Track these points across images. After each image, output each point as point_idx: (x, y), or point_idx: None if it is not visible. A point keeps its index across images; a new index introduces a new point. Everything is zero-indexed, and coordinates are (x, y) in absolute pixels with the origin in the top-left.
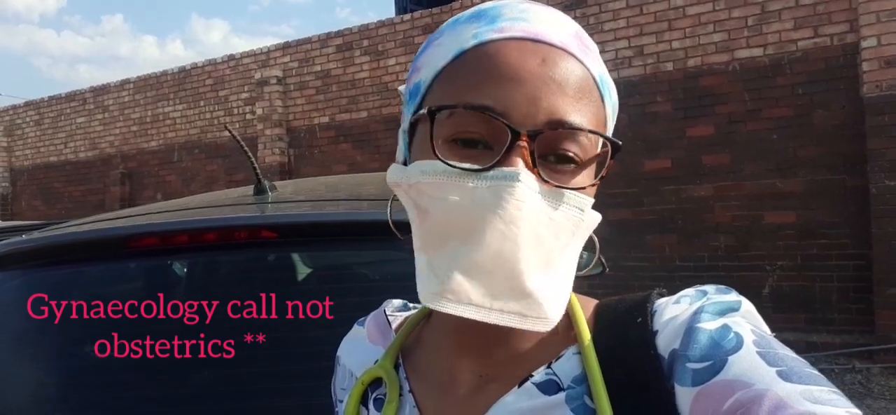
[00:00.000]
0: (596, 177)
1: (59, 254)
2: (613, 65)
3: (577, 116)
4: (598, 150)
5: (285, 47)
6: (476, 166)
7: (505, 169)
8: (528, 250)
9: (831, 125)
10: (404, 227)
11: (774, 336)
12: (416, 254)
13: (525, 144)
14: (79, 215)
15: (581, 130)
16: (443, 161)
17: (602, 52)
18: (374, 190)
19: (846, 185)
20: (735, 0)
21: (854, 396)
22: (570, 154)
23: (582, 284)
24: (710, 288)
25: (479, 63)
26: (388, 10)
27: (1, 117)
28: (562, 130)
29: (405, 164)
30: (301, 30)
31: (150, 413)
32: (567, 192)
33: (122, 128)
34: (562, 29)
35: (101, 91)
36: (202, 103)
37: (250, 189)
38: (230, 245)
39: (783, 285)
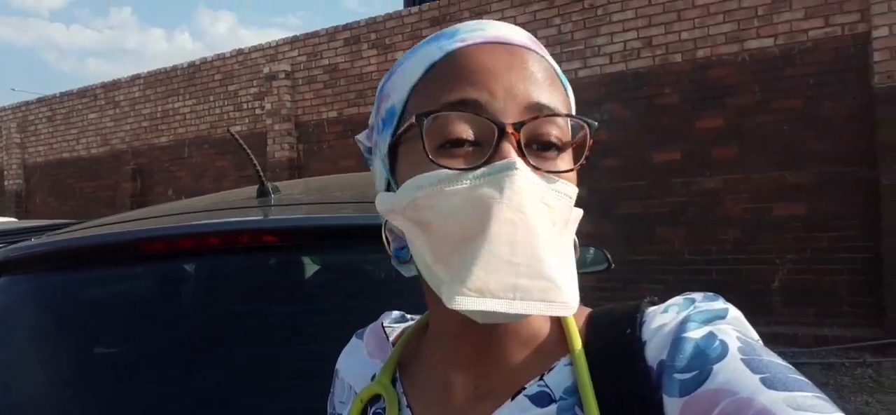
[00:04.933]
0: (576, 162)
1: (65, 258)
2: (621, 56)
3: (553, 101)
4: (573, 136)
5: (293, 41)
6: (471, 165)
7: (501, 161)
8: (540, 235)
9: (841, 117)
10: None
11: (772, 337)
12: (428, 269)
13: (512, 132)
14: (91, 212)
15: (558, 114)
16: (439, 165)
17: (610, 43)
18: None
19: (856, 177)
20: None
21: (864, 390)
22: (552, 139)
23: (589, 280)
24: (697, 295)
25: (452, 67)
26: (396, 2)
27: (14, 114)
28: (542, 117)
29: (388, 190)
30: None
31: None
32: (558, 180)
33: (133, 124)
34: (517, 33)
35: (111, 87)
36: (212, 98)
37: (254, 190)
38: (232, 249)
39: (792, 279)
